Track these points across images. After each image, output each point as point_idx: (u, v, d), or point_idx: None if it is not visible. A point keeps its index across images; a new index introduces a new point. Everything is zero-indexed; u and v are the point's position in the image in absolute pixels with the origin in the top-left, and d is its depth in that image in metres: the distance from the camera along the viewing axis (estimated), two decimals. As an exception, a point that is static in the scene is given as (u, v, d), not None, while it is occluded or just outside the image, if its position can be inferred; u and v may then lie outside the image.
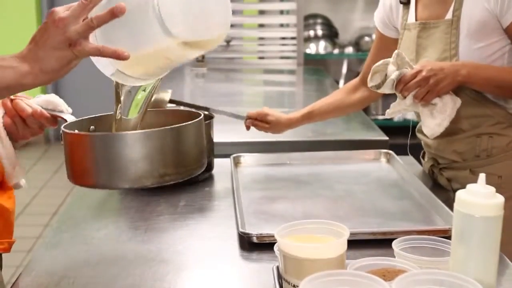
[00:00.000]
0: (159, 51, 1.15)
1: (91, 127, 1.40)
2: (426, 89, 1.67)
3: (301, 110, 2.11)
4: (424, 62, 1.73)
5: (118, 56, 1.11)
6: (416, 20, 1.87)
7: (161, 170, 1.24)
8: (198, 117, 1.34)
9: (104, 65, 1.18)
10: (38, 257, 1.43)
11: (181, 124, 1.29)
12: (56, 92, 1.44)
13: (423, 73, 1.67)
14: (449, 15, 1.77)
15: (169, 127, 1.27)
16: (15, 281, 1.32)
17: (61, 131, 1.30)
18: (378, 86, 1.71)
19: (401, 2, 1.92)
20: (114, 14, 1.09)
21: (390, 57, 2.08)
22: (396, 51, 1.69)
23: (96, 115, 1.44)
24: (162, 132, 1.25)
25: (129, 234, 1.55)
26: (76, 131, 1.32)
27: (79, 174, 1.28)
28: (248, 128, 2.10)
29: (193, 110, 1.41)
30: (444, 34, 1.77)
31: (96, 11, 1.11)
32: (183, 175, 1.29)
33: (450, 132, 1.78)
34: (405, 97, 1.71)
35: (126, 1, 1.10)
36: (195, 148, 1.32)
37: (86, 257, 1.41)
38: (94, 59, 1.17)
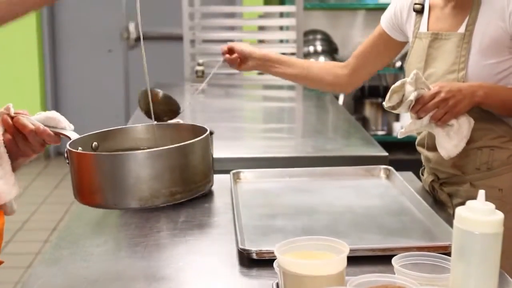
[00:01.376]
0: None
1: (94, 143, 1.39)
2: (445, 110, 1.67)
3: (265, 52, 2.16)
4: (441, 83, 1.72)
5: None
6: (427, 30, 1.89)
7: (172, 188, 1.24)
8: (203, 132, 1.34)
9: None
10: (37, 273, 1.42)
11: (189, 142, 1.29)
12: (56, 109, 1.43)
13: (442, 95, 1.66)
14: (461, 29, 1.78)
15: (177, 145, 1.26)
16: (14, 297, 1.31)
17: (66, 150, 1.30)
18: (394, 107, 1.68)
19: (414, 10, 1.93)
20: None
21: (381, 53, 2.11)
22: (414, 71, 1.67)
23: (99, 131, 1.43)
24: (171, 150, 1.25)
25: (128, 251, 1.55)
26: (80, 149, 1.32)
27: (87, 194, 1.27)
28: (225, 59, 2.17)
29: (196, 124, 1.42)
30: (455, 47, 1.78)
31: None
32: (192, 191, 1.29)
33: None
34: (420, 118, 1.71)
35: None
36: (203, 164, 1.32)
37: (86, 273, 1.41)
38: None
